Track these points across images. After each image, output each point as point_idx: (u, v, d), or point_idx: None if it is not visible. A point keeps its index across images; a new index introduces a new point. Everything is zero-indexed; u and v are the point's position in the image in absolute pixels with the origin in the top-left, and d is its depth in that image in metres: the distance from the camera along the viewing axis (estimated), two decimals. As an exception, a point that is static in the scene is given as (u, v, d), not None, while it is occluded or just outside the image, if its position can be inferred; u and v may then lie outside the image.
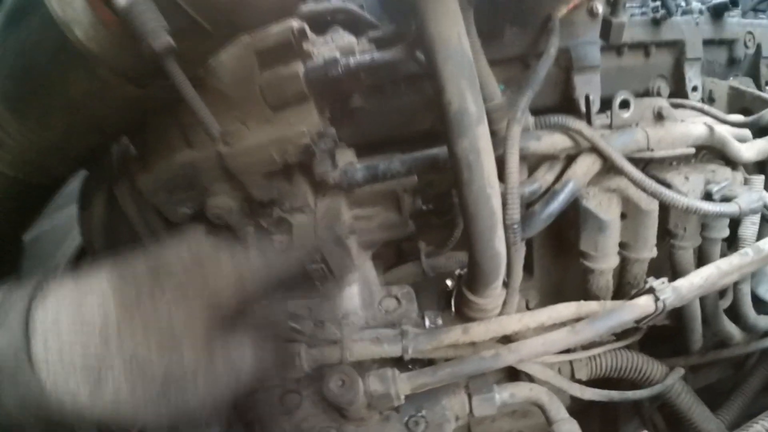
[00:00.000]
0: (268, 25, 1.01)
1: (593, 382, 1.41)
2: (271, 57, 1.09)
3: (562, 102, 1.35)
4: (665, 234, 1.34)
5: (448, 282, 1.30)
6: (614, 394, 1.39)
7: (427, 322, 1.23)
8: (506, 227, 1.07)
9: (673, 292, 1.20)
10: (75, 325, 0.67)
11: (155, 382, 0.68)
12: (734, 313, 1.47)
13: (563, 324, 1.21)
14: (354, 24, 1.44)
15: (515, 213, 1.07)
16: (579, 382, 1.39)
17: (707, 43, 1.46)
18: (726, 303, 1.48)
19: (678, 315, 1.44)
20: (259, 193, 1.15)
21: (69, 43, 0.88)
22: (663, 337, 1.50)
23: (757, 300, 1.45)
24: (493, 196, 1.01)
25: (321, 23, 1.36)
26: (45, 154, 1.07)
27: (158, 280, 0.72)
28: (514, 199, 1.07)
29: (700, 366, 1.60)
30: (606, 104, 1.34)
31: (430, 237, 1.38)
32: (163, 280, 0.72)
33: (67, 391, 0.65)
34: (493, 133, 1.03)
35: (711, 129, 1.31)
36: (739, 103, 1.47)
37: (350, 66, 1.10)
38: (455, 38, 0.93)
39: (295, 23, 1.09)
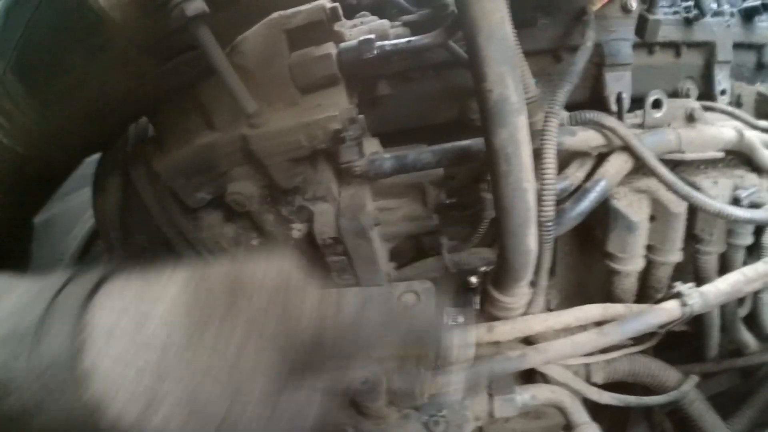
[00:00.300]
0: (302, 1, 0.92)
1: (607, 386, 1.33)
2: (301, 36, 1.01)
3: (591, 98, 1.27)
4: (691, 238, 1.26)
5: (473, 279, 1.22)
6: (631, 399, 1.31)
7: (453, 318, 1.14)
8: (540, 224, 0.99)
9: (700, 297, 1.12)
10: (134, 338, 0.57)
11: (210, 423, 0.57)
12: (751, 321, 1.39)
13: (584, 326, 1.13)
14: (381, 9, 1.35)
15: (550, 210, 0.99)
16: (594, 385, 1.31)
17: (737, 46, 1.38)
18: (744, 311, 1.40)
19: (696, 321, 1.36)
20: (283, 180, 1.06)
21: (87, 9, 0.79)
22: (677, 342, 1.43)
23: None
24: (529, 190, 0.93)
25: (348, 8, 1.27)
26: (57, 131, 0.97)
27: (235, 306, 0.60)
28: (550, 196, 0.98)
29: (712, 373, 1.52)
30: (635, 103, 1.26)
31: (452, 231, 1.29)
32: (240, 306, 0.60)
33: (114, 409, 0.55)
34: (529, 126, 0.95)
35: (741, 134, 1.23)
36: (766, 109, 1.39)
37: (386, 49, 1.01)
38: (498, 20, 0.84)
39: (327, 2, 1.01)
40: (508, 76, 0.86)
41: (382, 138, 1.23)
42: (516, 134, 0.89)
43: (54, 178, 1.11)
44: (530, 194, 0.93)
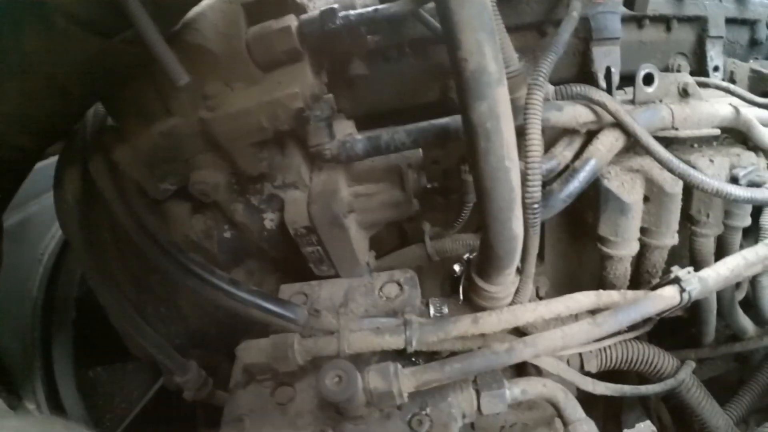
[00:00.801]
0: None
1: (601, 373, 1.19)
2: (260, 10, 0.87)
3: (578, 75, 1.13)
4: (686, 220, 1.12)
5: (456, 267, 1.07)
6: (627, 389, 1.17)
7: (431, 311, 1.00)
8: (525, 206, 0.84)
9: (699, 282, 0.98)
10: None
11: None
12: (749, 306, 1.25)
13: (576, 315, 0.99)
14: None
15: (536, 191, 0.84)
16: (588, 373, 1.17)
17: (729, 21, 1.24)
18: (740, 295, 1.26)
19: (692, 306, 1.21)
20: (247, 166, 0.92)
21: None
22: (672, 327, 1.29)
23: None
24: (512, 169, 0.78)
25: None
26: (6, 124, 0.83)
27: None
28: (535, 175, 0.84)
29: (707, 358, 1.38)
30: (625, 80, 1.12)
31: (435, 217, 1.15)
32: None
33: None
34: (511, 102, 0.80)
35: (737, 110, 1.08)
36: (760, 86, 1.24)
37: (350, 19, 0.86)
38: (474, -19, 0.69)
39: (288, -29, 0.86)
40: (486, 44, 0.71)
41: (359, 121, 1.09)
42: (495, 108, 0.74)
43: (10, 174, 0.97)
44: (513, 174, 0.78)
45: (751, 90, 1.28)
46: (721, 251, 1.16)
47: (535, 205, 0.85)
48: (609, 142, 0.99)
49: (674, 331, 1.32)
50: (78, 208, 0.97)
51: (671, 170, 0.98)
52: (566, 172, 1.00)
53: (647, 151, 0.98)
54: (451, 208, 1.17)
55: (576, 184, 0.98)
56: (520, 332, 1.02)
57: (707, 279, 0.99)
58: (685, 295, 0.97)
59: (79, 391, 1.34)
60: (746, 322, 1.27)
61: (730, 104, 1.10)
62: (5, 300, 1.29)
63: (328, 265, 1.04)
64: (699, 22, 1.21)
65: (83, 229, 0.98)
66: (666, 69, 1.23)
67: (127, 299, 1.04)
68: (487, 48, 0.72)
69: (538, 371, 1.08)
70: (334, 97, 1.00)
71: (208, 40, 0.86)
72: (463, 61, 0.72)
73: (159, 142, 0.92)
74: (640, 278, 1.15)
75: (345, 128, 1.00)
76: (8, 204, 1.07)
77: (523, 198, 0.83)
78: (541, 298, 1.20)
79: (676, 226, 1.09)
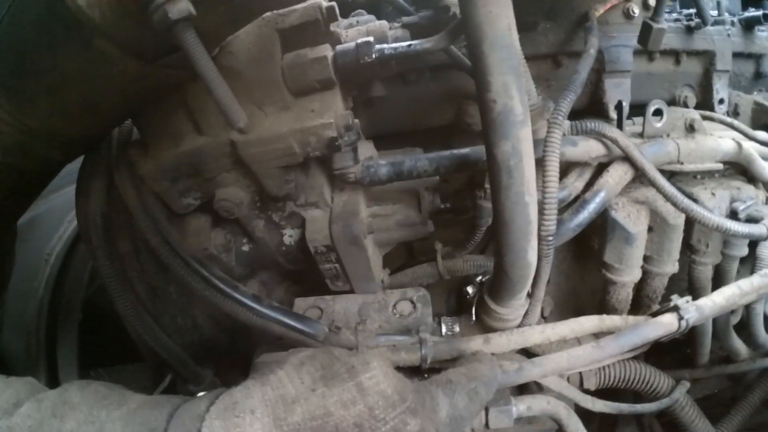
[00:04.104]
0: (299, 1, 0.83)
1: (598, 390, 1.28)
2: (295, 36, 0.92)
3: (589, 104, 1.21)
4: (687, 249, 1.21)
5: (469, 289, 1.15)
6: (624, 407, 1.26)
7: (444, 329, 1.08)
8: (540, 238, 0.92)
9: (696, 311, 1.07)
10: None
11: None
12: (743, 330, 1.35)
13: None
14: (377, 8, 1.27)
15: (552, 224, 0.92)
16: (587, 390, 1.26)
17: (736, 55, 1.33)
18: (734, 320, 1.35)
19: (689, 329, 1.31)
20: (274, 188, 0.98)
21: (62, 7, 0.69)
22: (667, 347, 1.38)
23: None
24: (530, 204, 0.86)
25: (342, 5, 1.19)
26: (36, 138, 0.88)
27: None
28: (552, 209, 0.91)
29: (701, 378, 1.48)
30: (633, 109, 1.20)
31: (445, 234, 1.22)
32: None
33: None
34: (529, 135, 0.87)
35: (740, 145, 1.17)
36: (762, 118, 1.34)
37: (384, 53, 0.93)
38: (505, 27, 0.76)
39: (324, 1, 0.92)
40: (513, 86, 0.79)
41: (376, 139, 1.16)
42: (519, 146, 0.82)
43: (35, 183, 1.02)
44: (532, 208, 0.86)
45: (754, 121, 1.38)
46: (719, 279, 1.26)
47: (550, 238, 0.93)
48: (618, 175, 1.08)
49: (670, 350, 1.41)
50: (103, 220, 1.03)
51: (675, 204, 1.06)
52: (577, 202, 1.08)
53: (654, 186, 1.06)
54: (462, 226, 1.25)
55: (586, 214, 1.06)
56: (526, 350, 1.10)
57: (704, 307, 1.08)
58: (683, 323, 1.06)
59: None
60: (740, 345, 1.37)
61: (733, 139, 1.19)
62: (11, 299, 1.33)
63: (344, 281, 1.11)
64: (707, 56, 1.30)
65: (107, 240, 1.03)
66: (673, 100, 1.31)
67: (145, 309, 1.10)
68: (515, 90, 0.79)
69: (540, 387, 1.17)
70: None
71: (242, 63, 0.91)
72: (491, 102, 0.79)
73: (186, 159, 0.97)
74: (640, 302, 1.24)
75: (365, 150, 1.06)
76: (27, 209, 1.12)
77: (539, 230, 0.91)
78: (545, 317, 1.28)
79: (677, 255, 1.18)
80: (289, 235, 1.07)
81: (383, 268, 1.17)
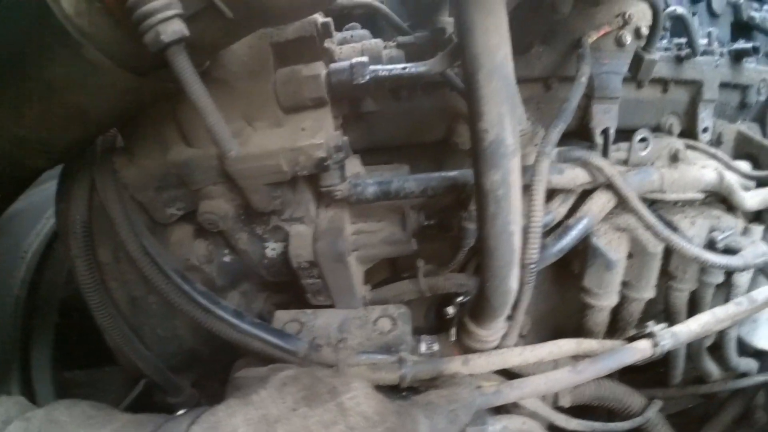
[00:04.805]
0: (298, 17, 0.82)
1: (572, 408, 1.30)
2: (289, 52, 0.92)
3: (577, 128, 1.21)
4: (664, 275, 1.23)
5: (449, 309, 1.16)
6: (597, 426, 1.28)
7: (423, 347, 1.08)
8: (523, 265, 0.93)
9: (671, 337, 1.10)
10: None
11: None
12: (716, 353, 1.38)
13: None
14: (373, 20, 1.26)
15: (535, 252, 0.93)
16: (561, 408, 1.28)
17: (722, 85, 1.35)
18: (708, 342, 1.39)
19: (663, 351, 1.34)
20: (260, 203, 0.98)
21: (50, 15, 0.68)
22: (641, 367, 1.41)
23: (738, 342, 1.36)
24: (515, 233, 0.87)
25: (337, 18, 1.18)
26: (20, 146, 0.86)
27: None
28: (536, 238, 0.92)
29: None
30: (620, 133, 1.22)
31: (430, 248, 1.22)
32: None
33: None
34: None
35: (721, 176, 1.20)
36: (745, 148, 1.36)
37: (379, 74, 0.92)
38: (502, 57, 0.77)
39: (319, 17, 0.91)
40: (507, 118, 0.79)
41: (366, 153, 1.16)
42: (508, 177, 0.82)
43: (14, 189, 1.00)
44: (516, 237, 0.87)
45: (737, 150, 1.41)
46: (695, 304, 1.29)
47: (532, 266, 0.94)
48: (602, 202, 1.09)
49: (644, 369, 1.43)
50: (83, 228, 1.01)
51: (655, 234, 1.09)
52: (560, 227, 1.09)
53: (636, 215, 1.08)
54: (447, 241, 1.25)
55: (568, 240, 1.08)
56: (505, 371, 1.12)
57: (679, 334, 1.11)
58: (658, 349, 1.09)
59: (56, 393, 1.37)
60: (712, 367, 1.40)
61: (715, 169, 1.21)
62: (-15, 297, 1.30)
63: (326, 296, 1.11)
64: (695, 85, 1.32)
65: (87, 249, 1.02)
66: (658, 126, 1.33)
67: (124, 320, 1.09)
68: (508, 121, 0.80)
69: (516, 405, 1.19)
70: (343, 130, 1.07)
71: (234, 76, 0.90)
72: (483, 131, 0.80)
73: (172, 169, 0.96)
74: (617, 325, 1.26)
75: (352, 166, 1.06)
76: (5, 209, 1.09)
77: (522, 258, 0.92)
78: (523, 336, 1.30)
79: (655, 281, 1.20)
80: (272, 249, 1.07)
81: (365, 283, 1.17)
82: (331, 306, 1.14)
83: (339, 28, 1.17)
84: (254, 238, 1.07)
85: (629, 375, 1.37)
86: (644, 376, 1.47)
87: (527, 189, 0.94)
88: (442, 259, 1.23)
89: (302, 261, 1.03)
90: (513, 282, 0.92)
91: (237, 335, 0.97)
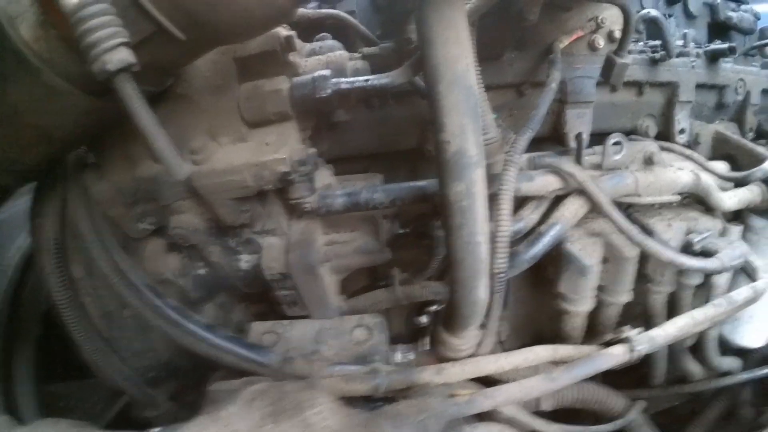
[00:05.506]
0: (252, 36, 0.83)
1: (557, 412, 1.31)
2: (252, 66, 0.92)
3: (550, 132, 1.22)
4: (642, 278, 1.23)
5: (422, 318, 1.16)
6: (577, 429, 1.28)
7: (399, 357, 1.08)
8: (492, 275, 0.93)
9: (648, 342, 1.10)
10: None
11: None
12: (698, 353, 1.38)
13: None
14: (343, 31, 1.26)
15: (503, 262, 0.94)
16: (543, 412, 1.28)
17: (699, 86, 1.35)
18: (690, 341, 1.39)
19: (644, 352, 1.34)
20: (228, 217, 0.98)
21: (9, 41, 0.69)
22: (624, 368, 1.42)
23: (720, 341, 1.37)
24: (482, 243, 0.88)
25: (308, 29, 1.18)
26: None
27: None
28: (503, 247, 0.93)
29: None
30: (594, 137, 1.22)
31: (408, 255, 1.22)
32: None
33: None
34: (486, 168, 0.88)
35: (698, 177, 1.20)
36: (723, 148, 1.36)
37: (341, 87, 0.93)
38: (463, 68, 0.77)
39: (283, 30, 0.92)
40: (469, 128, 0.79)
41: (340, 161, 1.16)
42: (472, 188, 0.83)
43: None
44: (483, 247, 0.88)
45: (715, 150, 1.41)
46: (674, 306, 1.29)
47: (501, 275, 0.95)
48: (574, 208, 1.09)
49: (626, 370, 1.44)
50: (56, 245, 1.01)
51: (630, 239, 1.09)
52: (532, 234, 1.09)
53: (610, 220, 1.08)
54: (424, 248, 1.26)
55: (540, 246, 1.08)
56: (481, 379, 1.12)
57: (656, 338, 1.11)
58: (635, 354, 1.09)
59: (39, 407, 1.38)
60: (694, 367, 1.40)
61: (692, 171, 1.21)
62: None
63: (301, 307, 1.11)
64: (670, 87, 1.32)
65: (60, 266, 1.02)
66: (634, 129, 1.33)
67: (99, 334, 1.09)
68: (470, 132, 0.80)
69: (493, 411, 1.19)
70: (316, 141, 1.07)
71: (197, 92, 0.91)
72: (445, 143, 0.80)
73: (141, 185, 0.97)
74: (594, 329, 1.26)
75: (323, 177, 1.06)
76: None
77: (491, 267, 0.93)
78: (502, 342, 1.30)
79: (631, 285, 1.21)
80: (246, 261, 1.07)
81: (343, 293, 1.18)
82: (307, 316, 1.14)
83: (310, 39, 1.17)
84: (227, 251, 1.07)
85: (612, 376, 1.37)
86: (627, 377, 1.47)
87: (494, 200, 0.95)
88: (419, 267, 1.24)
89: (275, 273, 1.03)
90: (482, 292, 0.93)
91: (209, 349, 0.97)
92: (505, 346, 1.30)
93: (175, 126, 0.91)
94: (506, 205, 0.93)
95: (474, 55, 0.82)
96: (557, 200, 1.12)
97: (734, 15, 1.56)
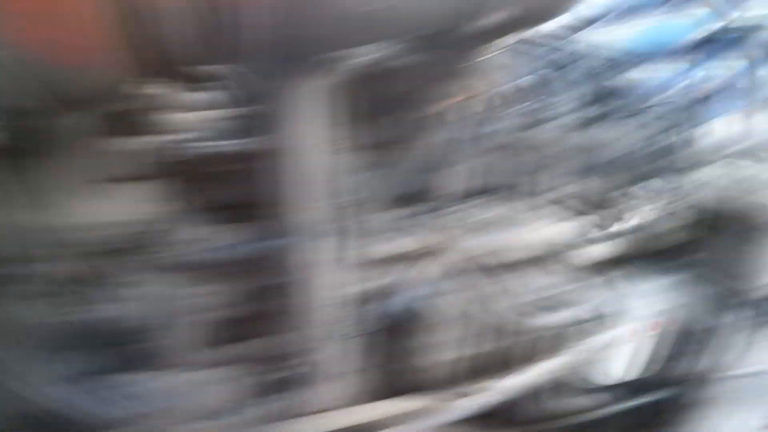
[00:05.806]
0: (106, 105, 0.84)
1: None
2: (119, 124, 0.93)
3: (422, 191, 1.27)
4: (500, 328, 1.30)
5: (282, 372, 1.19)
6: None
7: (255, 410, 1.10)
8: (341, 335, 0.98)
9: (501, 391, 1.17)
10: None
11: None
12: (562, 392, 1.47)
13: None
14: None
15: (351, 323, 0.98)
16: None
17: (571, 148, 1.44)
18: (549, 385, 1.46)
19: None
20: (87, 270, 0.98)
21: None
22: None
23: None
24: (328, 306, 0.92)
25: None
26: None
27: None
28: (353, 306, 0.97)
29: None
30: (467, 196, 1.28)
31: (268, 309, 1.24)
32: None
33: None
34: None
35: (562, 233, 1.29)
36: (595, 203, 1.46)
37: (200, 152, 0.96)
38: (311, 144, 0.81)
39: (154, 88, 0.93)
40: (316, 196, 0.84)
41: (215, 212, 1.17)
42: (319, 254, 0.87)
43: None
44: (330, 309, 0.92)
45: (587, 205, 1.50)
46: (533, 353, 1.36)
47: (352, 331, 0.99)
48: (434, 267, 1.15)
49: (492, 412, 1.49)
50: None
51: (482, 302, 1.16)
52: (391, 292, 1.13)
53: (464, 281, 1.15)
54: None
55: (398, 303, 1.13)
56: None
57: (512, 387, 1.19)
58: (489, 403, 1.16)
59: None
60: (559, 406, 1.48)
61: (556, 227, 1.30)
62: None
63: (158, 359, 1.10)
64: (544, 149, 1.40)
65: None
66: (507, 187, 1.40)
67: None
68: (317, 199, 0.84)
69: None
70: (192, 190, 1.07)
71: (62, 148, 0.91)
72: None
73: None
74: (455, 379, 1.30)
75: (189, 230, 1.07)
76: None
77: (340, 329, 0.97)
78: (364, 394, 1.33)
79: (490, 336, 1.27)
80: (107, 312, 1.07)
81: (203, 345, 1.18)
82: (166, 369, 1.14)
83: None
84: (87, 303, 1.06)
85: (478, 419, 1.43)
86: (492, 419, 1.53)
87: (347, 260, 0.99)
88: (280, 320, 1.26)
89: (134, 325, 1.04)
90: (332, 349, 0.97)
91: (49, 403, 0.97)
92: (367, 397, 1.34)
93: (37, 179, 0.91)
94: (356, 267, 0.98)
95: (331, 128, 0.86)
96: (417, 258, 1.17)
97: (617, 80, 1.66)
